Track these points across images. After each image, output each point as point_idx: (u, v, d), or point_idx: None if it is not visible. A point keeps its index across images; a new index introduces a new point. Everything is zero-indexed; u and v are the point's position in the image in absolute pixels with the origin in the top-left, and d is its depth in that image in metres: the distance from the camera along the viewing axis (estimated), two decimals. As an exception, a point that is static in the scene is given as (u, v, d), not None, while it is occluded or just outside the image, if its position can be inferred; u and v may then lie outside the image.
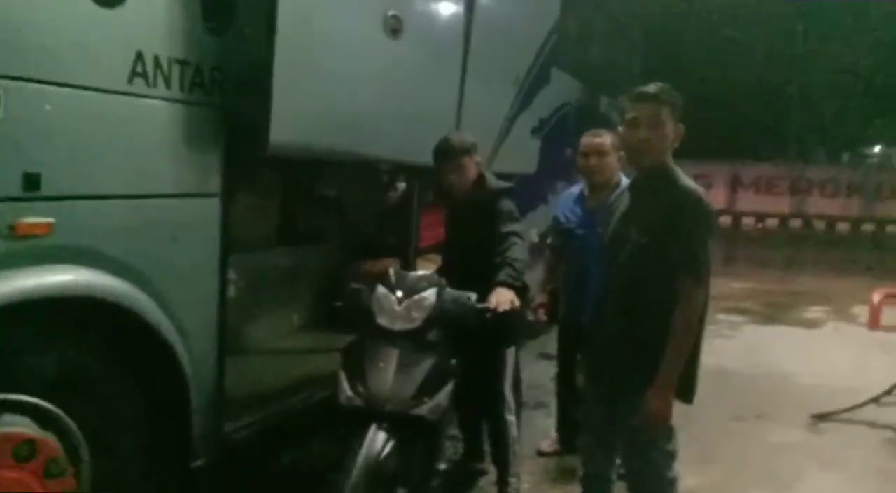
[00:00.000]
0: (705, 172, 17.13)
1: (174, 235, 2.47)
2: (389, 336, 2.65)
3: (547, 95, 5.25)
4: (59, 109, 2.05)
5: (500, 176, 3.52)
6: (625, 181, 3.39)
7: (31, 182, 1.99)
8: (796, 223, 18.31)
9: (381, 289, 2.75)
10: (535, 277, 3.80)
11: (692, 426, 3.62)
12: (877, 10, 17.47)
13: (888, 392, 5.00)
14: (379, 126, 3.18)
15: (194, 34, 2.44)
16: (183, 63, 2.41)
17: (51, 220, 2.04)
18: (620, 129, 2.64)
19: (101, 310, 2.21)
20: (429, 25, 3.52)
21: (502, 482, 3.41)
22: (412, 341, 2.65)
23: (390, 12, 3.06)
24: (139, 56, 2.25)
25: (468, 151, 3.21)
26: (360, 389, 2.53)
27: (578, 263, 3.71)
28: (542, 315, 3.97)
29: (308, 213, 3.53)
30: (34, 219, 2.01)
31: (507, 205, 3.28)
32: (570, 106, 6.47)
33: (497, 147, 4.41)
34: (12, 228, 1.95)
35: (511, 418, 3.42)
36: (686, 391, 2.53)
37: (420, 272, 3.17)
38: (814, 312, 8.74)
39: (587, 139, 3.79)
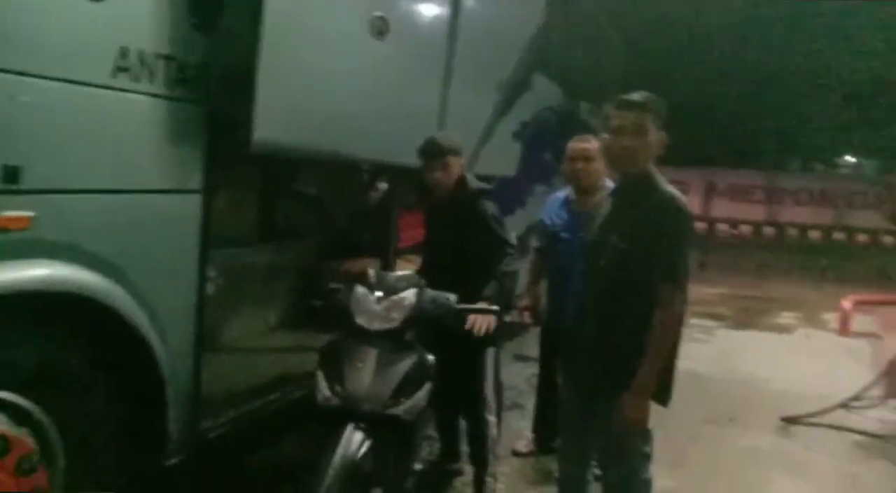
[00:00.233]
0: (681, 179, 17.24)
1: (154, 230, 2.46)
2: (368, 336, 2.65)
3: (528, 99, 5.29)
4: (41, 102, 2.03)
5: (480, 177, 3.54)
6: (610, 186, 3.43)
7: (11, 175, 1.97)
8: (770, 230, 18.54)
9: (360, 289, 2.75)
10: (519, 279, 3.83)
11: (665, 429, 3.65)
12: (854, 20, 17.73)
13: (856, 397, 5.09)
14: (362, 126, 3.18)
15: (180, 30, 2.43)
16: (168, 58, 2.40)
17: (30, 213, 2.02)
18: (604, 135, 2.67)
19: (79, 305, 2.19)
20: (414, 27, 3.54)
21: (479, 481, 3.42)
22: (390, 341, 2.66)
23: (376, 13, 3.07)
24: (124, 51, 2.24)
25: (455, 150, 3.25)
26: (338, 388, 2.53)
27: (563, 266, 3.74)
28: (526, 318, 4.01)
29: (289, 211, 3.53)
30: (13, 212, 1.99)
31: (491, 208, 3.32)
32: (551, 111, 6.51)
33: (479, 149, 4.44)
34: (-9, 221, 1.94)
35: (491, 418, 3.44)
36: (662, 394, 2.56)
37: (399, 273, 3.17)
38: (785, 318, 8.87)
39: (574, 144, 3.83)
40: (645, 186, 2.54)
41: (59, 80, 2.07)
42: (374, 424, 2.49)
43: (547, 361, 4.12)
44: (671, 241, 2.46)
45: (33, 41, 1.99)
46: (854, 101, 18.94)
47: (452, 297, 2.85)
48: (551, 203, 4.09)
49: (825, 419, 4.94)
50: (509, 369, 5.52)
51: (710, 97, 19.25)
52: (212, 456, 2.88)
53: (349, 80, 3.04)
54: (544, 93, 6.05)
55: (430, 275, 3.12)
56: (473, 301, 2.93)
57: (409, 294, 2.75)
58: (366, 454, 2.41)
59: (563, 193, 4.05)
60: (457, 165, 3.27)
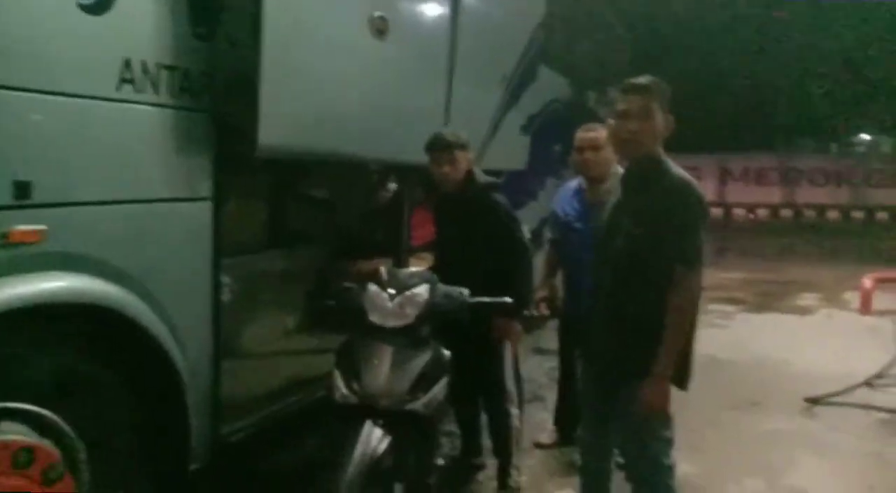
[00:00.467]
0: (694, 165, 17.14)
1: (167, 239, 2.49)
2: (383, 333, 2.66)
3: (534, 91, 5.28)
4: (49, 117, 2.07)
5: (490, 173, 3.55)
6: (621, 173, 3.43)
7: (22, 190, 2.00)
8: (787, 213, 18.41)
9: (372, 287, 2.77)
10: (534, 271, 3.84)
11: (685, 415, 3.63)
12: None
13: (880, 375, 5.05)
14: (367, 126, 3.20)
15: (181, 39, 2.46)
16: (171, 68, 2.43)
17: (43, 227, 2.05)
18: (611, 121, 2.67)
19: (96, 315, 2.22)
20: (414, 25, 3.55)
21: (503, 474, 3.44)
22: (405, 337, 2.66)
23: (376, 13, 3.08)
24: (127, 62, 2.26)
25: (461, 145, 3.26)
26: (355, 386, 2.55)
27: (577, 256, 3.74)
28: (543, 309, 4.01)
29: (299, 214, 3.55)
30: (26, 226, 2.02)
31: (502, 201, 3.34)
32: (558, 102, 6.50)
33: (486, 144, 4.44)
34: (5, 235, 1.97)
35: (514, 410, 3.46)
36: (681, 378, 2.56)
37: (411, 269, 3.19)
38: (806, 299, 8.80)
39: (581, 134, 3.82)
40: (655, 170, 2.53)
41: (64, 94, 2.10)
42: (393, 420, 2.50)
43: (566, 352, 4.12)
44: (683, 224, 2.46)
45: (37, 57, 2.02)
46: (867, 78, 18.77)
47: (465, 291, 2.86)
48: (563, 194, 4.09)
49: (849, 399, 4.91)
50: (529, 363, 5.53)
51: (720, 83, 19.15)
52: (234, 460, 2.91)
53: (352, 81, 3.05)
54: (550, 85, 6.04)
55: (442, 271, 3.13)
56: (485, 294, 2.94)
57: (422, 290, 2.76)
58: (386, 450, 2.42)
59: (574, 183, 4.05)
60: (464, 160, 3.28)
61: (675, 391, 2.55)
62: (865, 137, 20.67)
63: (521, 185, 5.49)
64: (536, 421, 4.38)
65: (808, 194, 18.46)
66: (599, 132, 3.70)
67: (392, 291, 2.74)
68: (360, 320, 2.72)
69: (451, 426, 3.84)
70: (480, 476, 3.70)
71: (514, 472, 3.45)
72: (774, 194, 18.76)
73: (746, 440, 4.34)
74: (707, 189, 18.35)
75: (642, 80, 2.54)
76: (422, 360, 2.65)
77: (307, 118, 2.83)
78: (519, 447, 3.50)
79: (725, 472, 3.87)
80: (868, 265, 9.82)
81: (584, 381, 2.89)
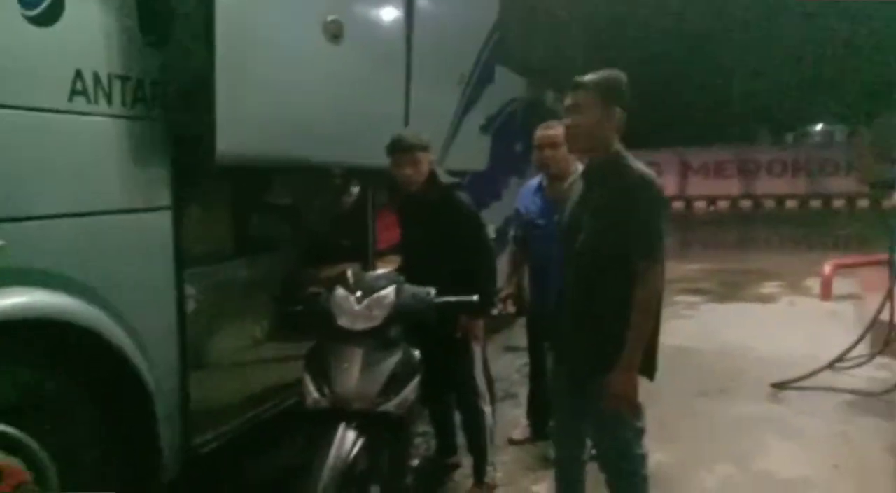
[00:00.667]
0: (655, 160, 17.41)
1: (127, 250, 2.46)
2: (351, 336, 2.67)
3: (492, 92, 5.31)
4: (0, 131, 2.03)
5: (453, 174, 3.56)
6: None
7: (-24, 206, 1.97)
8: (746, 204, 18.74)
9: (339, 290, 2.77)
10: (499, 269, 3.86)
11: (655, 405, 3.68)
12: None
13: (841, 358, 5.16)
14: (326, 130, 3.19)
15: (133, 48, 2.43)
16: (123, 78, 2.40)
17: (-1, 242, 2.02)
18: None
19: (59, 330, 2.19)
20: (370, 29, 3.55)
21: (479, 471, 3.45)
22: (374, 339, 2.67)
23: (330, 17, 3.08)
24: (78, 74, 2.24)
25: (423, 146, 3.27)
26: (326, 390, 2.55)
27: (542, 253, 3.79)
28: (509, 307, 4.03)
29: (263, 221, 3.54)
30: (-19, 242, 1.99)
31: (465, 198, 3.36)
32: (517, 102, 6.56)
33: (447, 145, 4.46)
34: (-40, 253, 1.94)
35: (486, 407, 3.47)
36: (648, 368, 2.59)
37: (378, 272, 3.19)
38: (768, 287, 8.95)
39: (540, 132, 3.87)
40: (614, 165, 2.56)
41: (15, 108, 2.07)
42: (366, 422, 2.51)
43: (535, 348, 4.16)
44: (642, 217, 2.48)
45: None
46: (819, 68, 19.20)
47: (432, 291, 2.87)
48: (525, 191, 4.13)
49: (814, 382, 5.01)
50: (500, 360, 5.57)
51: (676, 79, 19.44)
52: (207, 470, 2.88)
53: (309, 85, 3.05)
54: (508, 85, 6.09)
55: (409, 272, 3.14)
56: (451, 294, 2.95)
57: (389, 292, 2.77)
58: (359, 452, 2.42)
59: (535, 180, 4.09)
60: (426, 161, 3.29)
61: (644, 381, 2.59)
62: (819, 127, 21.11)
63: (485, 185, 5.53)
64: (509, 418, 4.40)
65: (767, 185, 18.83)
66: (558, 130, 3.72)
67: (359, 293, 2.74)
68: (329, 324, 2.72)
69: (425, 426, 3.85)
70: (456, 475, 3.71)
71: (489, 469, 3.47)
72: (734, 186, 19.10)
73: (716, 426, 4.41)
74: (668, 183, 18.66)
75: (587, 76, 2.58)
76: (392, 361, 2.66)
77: (265, 124, 2.82)
78: (493, 443, 3.52)
79: (697, 459, 3.92)
80: (827, 252, 10.04)
81: (554, 375, 2.92)
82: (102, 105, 2.33)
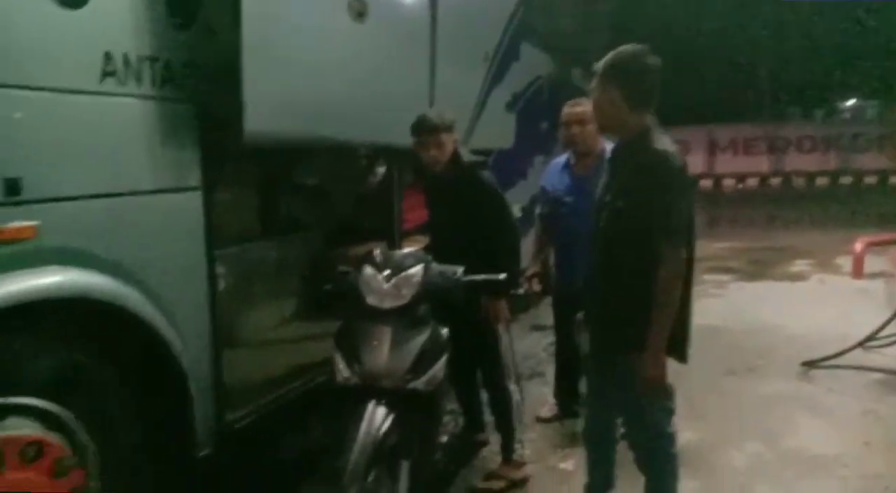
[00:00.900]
0: (683, 137, 17.20)
1: (158, 230, 2.49)
2: (380, 315, 2.68)
3: (518, 69, 5.29)
4: (34, 113, 2.06)
5: (478, 152, 3.56)
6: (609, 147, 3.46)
7: (12, 187, 2.00)
8: (776, 181, 18.46)
9: (368, 269, 2.78)
10: (525, 247, 3.86)
11: (685, 383, 3.67)
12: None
13: (872, 336, 5.10)
14: (352, 110, 3.20)
15: (160, 30, 2.45)
16: (152, 60, 2.42)
17: (35, 223, 2.06)
18: None
19: (94, 309, 2.23)
20: (394, 7, 3.54)
21: (507, 447, 3.48)
22: (403, 317, 2.68)
23: (354, -5, 3.07)
24: (108, 55, 2.26)
25: (447, 127, 3.27)
26: (356, 368, 2.57)
27: (568, 230, 3.78)
28: (535, 285, 4.03)
29: (291, 202, 3.56)
30: (19, 223, 2.02)
31: (488, 177, 3.36)
32: (543, 79, 6.51)
33: (472, 124, 4.45)
34: (-3, 232, 1.97)
35: (513, 385, 3.49)
36: (679, 351, 2.58)
37: (406, 250, 3.21)
38: (798, 266, 8.85)
39: (567, 109, 3.86)
40: (638, 144, 2.54)
41: (48, 90, 2.10)
42: (395, 399, 2.53)
43: (561, 327, 4.16)
44: (662, 196, 2.45)
45: (18, 54, 2.02)
46: (850, 44, 18.79)
47: (460, 270, 2.88)
48: (552, 169, 4.12)
49: (844, 361, 4.96)
50: (527, 339, 5.59)
51: (705, 54, 19.13)
52: (240, 446, 2.93)
53: (334, 64, 3.04)
54: (534, 62, 6.04)
55: (436, 251, 3.15)
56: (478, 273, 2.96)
57: (417, 270, 2.78)
58: (390, 428, 2.45)
59: (562, 158, 4.08)
60: (450, 142, 3.29)
61: (673, 361, 2.58)
62: (851, 102, 20.68)
63: (510, 163, 5.51)
64: (536, 396, 4.43)
65: (797, 162, 18.52)
66: (585, 107, 3.70)
67: (387, 272, 2.76)
68: (358, 303, 2.74)
69: (453, 404, 3.88)
70: (484, 452, 3.74)
71: (517, 446, 3.49)
72: (763, 163, 18.81)
73: (745, 405, 4.39)
74: (696, 160, 18.41)
75: (601, 61, 2.59)
76: (420, 339, 2.67)
77: (292, 104, 2.82)
78: (521, 421, 3.54)
79: (726, 437, 3.91)
80: (858, 230, 9.88)
81: (590, 353, 2.92)
82: (132, 86, 2.35)
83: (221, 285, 2.78)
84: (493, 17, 4.77)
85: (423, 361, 2.63)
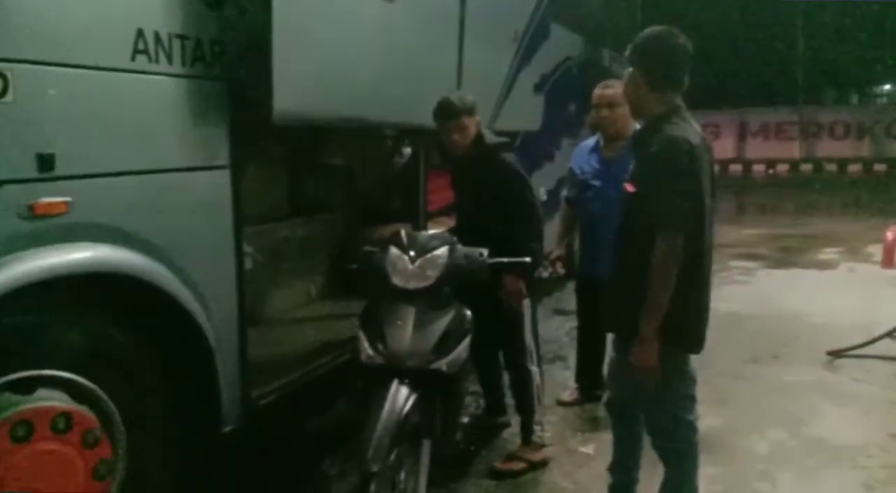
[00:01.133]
0: (713, 122, 17.02)
1: (187, 207, 2.51)
2: (405, 295, 2.70)
3: (547, 50, 5.24)
4: (67, 90, 2.08)
5: (504, 134, 3.54)
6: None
7: (46, 163, 2.03)
8: (807, 167, 18.17)
9: (393, 250, 2.79)
10: (550, 230, 3.84)
11: (708, 370, 3.65)
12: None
13: (902, 326, 5.03)
14: (380, 90, 3.20)
15: (191, 8, 2.45)
16: (183, 38, 2.43)
17: (67, 199, 2.08)
18: None
19: (124, 284, 2.26)
20: (424, -13, 3.52)
21: (527, 430, 3.49)
22: (427, 298, 2.69)
23: (384, -25, 3.06)
24: (140, 33, 2.27)
25: (469, 110, 3.25)
26: (380, 347, 2.59)
27: (594, 214, 3.76)
28: (559, 268, 4.02)
29: (318, 181, 3.58)
30: (51, 199, 2.05)
31: (511, 158, 3.35)
32: (572, 61, 6.44)
33: (499, 105, 4.43)
34: (31, 208, 2.00)
35: (534, 368, 3.50)
36: (689, 342, 2.56)
37: (431, 232, 3.21)
38: (827, 254, 8.74)
39: (598, 91, 3.82)
40: (653, 128, 2.52)
41: (81, 67, 2.12)
42: (419, 379, 2.54)
43: (584, 311, 4.15)
44: (662, 182, 2.42)
45: (52, 31, 2.03)
46: (887, 28, 18.37)
47: (485, 252, 2.88)
48: (580, 151, 4.08)
49: (871, 350, 4.91)
50: (550, 323, 5.59)
51: (738, 36, 18.82)
52: (265, 422, 2.97)
53: (363, 44, 3.04)
54: (563, 43, 5.98)
55: (461, 232, 3.15)
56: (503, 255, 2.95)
57: (442, 252, 2.78)
58: (413, 407, 2.46)
59: (592, 140, 4.04)
60: (473, 125, 3.27)
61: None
62: (887, 87, 20.25)
63: (537, 146, 5.48)
64: (558, 380, 4.44)
65: (829, 148, 18.21)
66: (616, 89, 3.65)
67: (412, 253, 2.76)
68: (383, 283, 2.75)
69: (475, 385, 3.90)
70: (505, 433, 3.76)
71: (537, 428, 3.50)
72: (794, 149, 18.52)
73: (769, 392, 4.36)
74: (726, 145, 18.17)
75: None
76: (444, 320, 2.68)
77: (321, 84, 2.83)
78: (541, 404, 3.55)
79: (749, 424, 3.90)
80: (890, 218, 9.70)
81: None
82: (163, 64, 2.37)
83: (249, 263, 2.81)
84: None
85: (446, 342, 2.64)
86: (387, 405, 2.41)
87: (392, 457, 2.37)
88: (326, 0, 2.80)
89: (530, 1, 4.85)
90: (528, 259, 2.95)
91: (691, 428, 2.65)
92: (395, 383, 2.48)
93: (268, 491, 3.21)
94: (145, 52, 2.30)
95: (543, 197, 5.22)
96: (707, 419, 3.28)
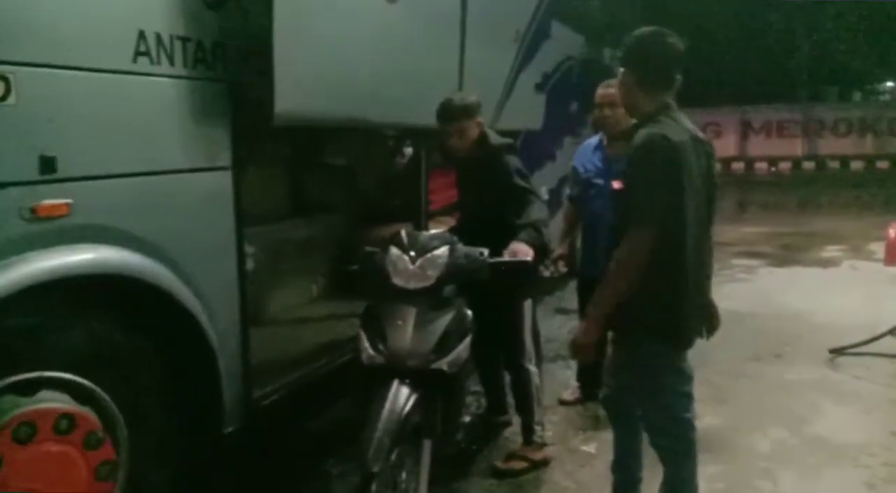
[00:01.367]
0: (715, 120, 17.02)
1: (189, 209, 2.52)
2: (406, 295, 2.70)
3: (548, 49, 5.24)
4: (69, 92, 2.09)
5: (506, 133, 3.54)
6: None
7: (48, 165, 2.03)
8: (809, 165, 18.15)
9: (394, 250, 2.79)
10: (553, 228, 3.85)
11: (708, 368, 3.67)
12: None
13: (904, 324, 5.03)
14: (382, 90, 3.20)
15: (192, 9, 2.46)
16: (184, 39, 2.43)
17: (69, 201, 2.09)
18: None
19: (125, 286, 2.27)
20: (425, -14, 3.52)
21: (527, 429, 3.50)
22: (428, 298, 2.69)
23: (385, -25, 3.06)
24: (141, 35, 2.28)
25: (470, 113, 3.25)
26: (381, 347, 2.59)
27: (596, 213, 3.76)
28: (561, 267, 4.02)
29: (319, 182, 3.58)
30: (53, 201, 2.05)
31: (514, 161, 3.34)
32: (574, 60, 6.44)
33: (501, 104, 4.43)
34: (33, 210, 2.00)
35: (533, 368, 3.50)
36: (673, 337, 2.54)
37: (432, 231, 3.21)
38: (830, 251, 8.73)
39: (601, 91, 3.83)
40: (641, 127, 2.53)
41: (82, 69, 2.12)
42: (419, 379, 2.55)
43: (585, 310, 4.14)
44: (637, 179, 2.44)
45: (54, 34, 2.04)
46: (889, 25, 18.33)
47: (485, 251, 2.89)
48: (584, 150, 4.09)
49: (873, 348, 4.90)
50: (551, 322, 5.59)
51: (739, 34, 18.79)
52: (267, 423, 2.98)
53: (365, 45, 3.04)
54: (565, 42, 5.98)
55: (463, 232, 3.15)
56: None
57: (442, 252, 2.78)
58: (413, 408, 2.46)
59: (595, 139, 4.05)
60: (474, 126, 3.27)
61: (698, 344, 2.57)
62: (890, 84, 20.21)
63: (539, 145, 5.48)
64: (560, 379, 4.45)
65: (832, 145, 18.18)
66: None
67: (413, 253, 2.77)
68: (383, 283, 2.75)
69: (476, 385, 3.90)
70: (506, 432, 3.77)
71: (538, 428, 3.51)
72: (797, 146, 18.50)
73: (770, 390, 4.36)
74: (728, 143, 18.14)
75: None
76: (445, 320, 2.68)
77: (322, 84, 2.83)
78: (541, 404, 3.55)
79: (750, 422, 3.89)
80: (893, 215, 9.68)
81: None
82: (165, 66, 2.37)
83: (250, 263, 2.81)
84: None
85: (447, 341, 2.64)
86: (388, 405, 2.41)
87: (393, 457, 2.38)
88: (327, 1, 2.79)
89: (532, 0, 4.84)
90: (529, 259, 2.95)
91: (689, 426, 2.65)
92: (395, 383, 2.48)
93: (269, 491, 3.22)
94: (147, 53, 2.31)
95: (545, 196, 5.22)
96: (708, 417, 3.30)
